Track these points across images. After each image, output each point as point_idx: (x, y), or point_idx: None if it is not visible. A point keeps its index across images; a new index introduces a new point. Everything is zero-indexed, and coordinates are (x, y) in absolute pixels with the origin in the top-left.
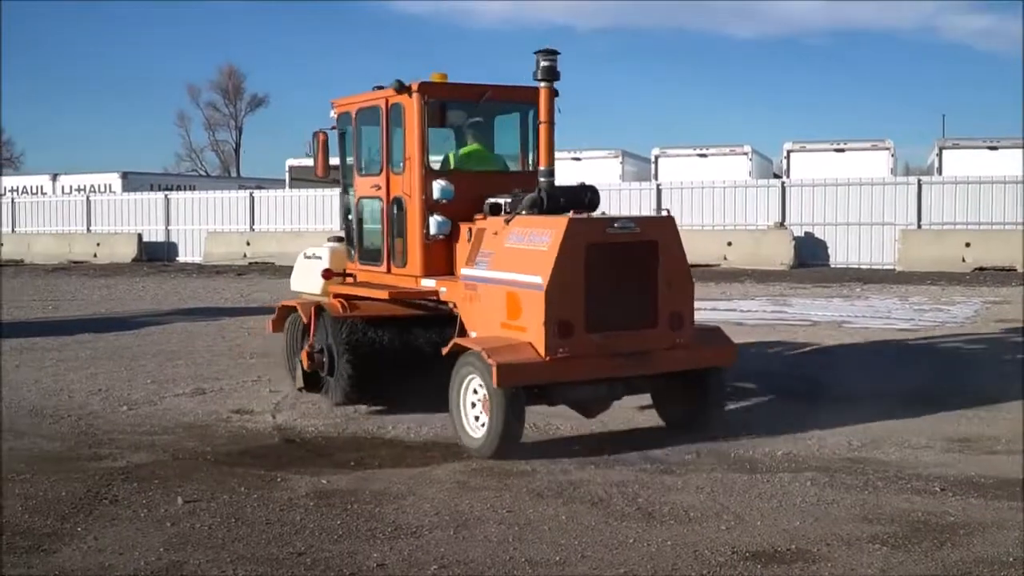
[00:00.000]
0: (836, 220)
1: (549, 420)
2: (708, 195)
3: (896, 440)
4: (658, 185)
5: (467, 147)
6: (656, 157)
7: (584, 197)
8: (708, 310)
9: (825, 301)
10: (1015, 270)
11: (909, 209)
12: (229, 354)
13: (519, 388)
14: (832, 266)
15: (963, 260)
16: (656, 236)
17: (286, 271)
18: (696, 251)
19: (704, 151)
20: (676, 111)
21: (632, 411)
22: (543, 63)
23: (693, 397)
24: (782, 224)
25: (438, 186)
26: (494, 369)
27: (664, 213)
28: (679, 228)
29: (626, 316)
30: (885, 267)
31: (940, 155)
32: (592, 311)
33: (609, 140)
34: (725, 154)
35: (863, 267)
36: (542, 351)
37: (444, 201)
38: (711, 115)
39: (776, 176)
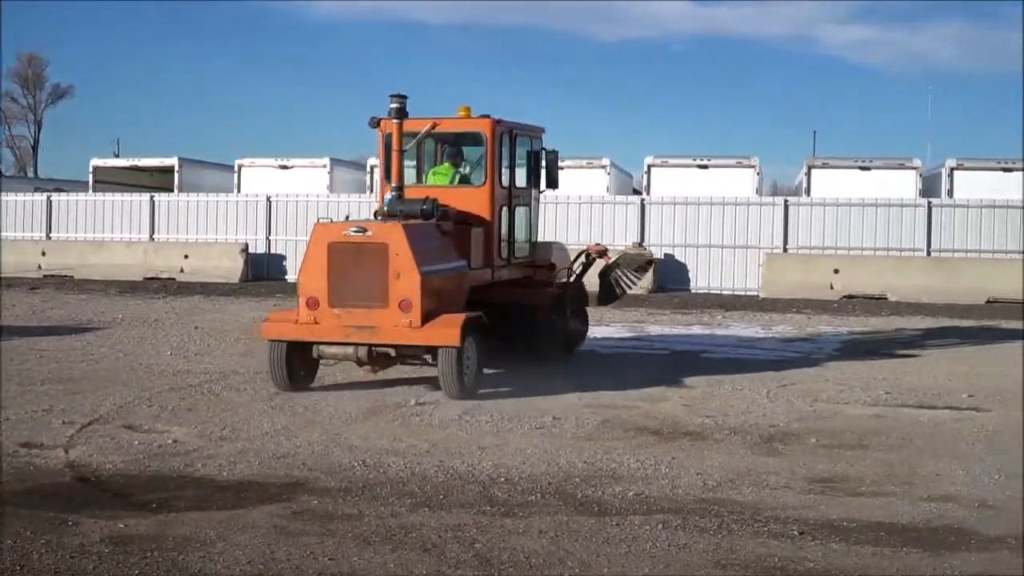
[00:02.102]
0: (698, 242)
1: (380, 458)
2: (562, 210)
3: (753, 479)
4: None
5: (436, 167)
6: None
7: (419, 208)
8: None
9: (684, 329)
10: (885, 298)
11: (775, 231)
12: (17, 379)
13: (277, 341)
14: (692, 291)
15: (831, 287)
16: (386, 239)
17: (86, 285)
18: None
19: (560, 163)
20: (532, 118)
21: (477, 450)
22: (393, 105)
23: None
24: (641, 244)
25: (386, 196)
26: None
27: (379, 220)
28: None
29: (362, 297)
30: (749, 293)
31: (809, 175)
32: (333, 291)
33: None
34: (582, 167)
35: (725, 293)
36: (297, 318)
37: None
38: (569, 124)
39: (636, 192)
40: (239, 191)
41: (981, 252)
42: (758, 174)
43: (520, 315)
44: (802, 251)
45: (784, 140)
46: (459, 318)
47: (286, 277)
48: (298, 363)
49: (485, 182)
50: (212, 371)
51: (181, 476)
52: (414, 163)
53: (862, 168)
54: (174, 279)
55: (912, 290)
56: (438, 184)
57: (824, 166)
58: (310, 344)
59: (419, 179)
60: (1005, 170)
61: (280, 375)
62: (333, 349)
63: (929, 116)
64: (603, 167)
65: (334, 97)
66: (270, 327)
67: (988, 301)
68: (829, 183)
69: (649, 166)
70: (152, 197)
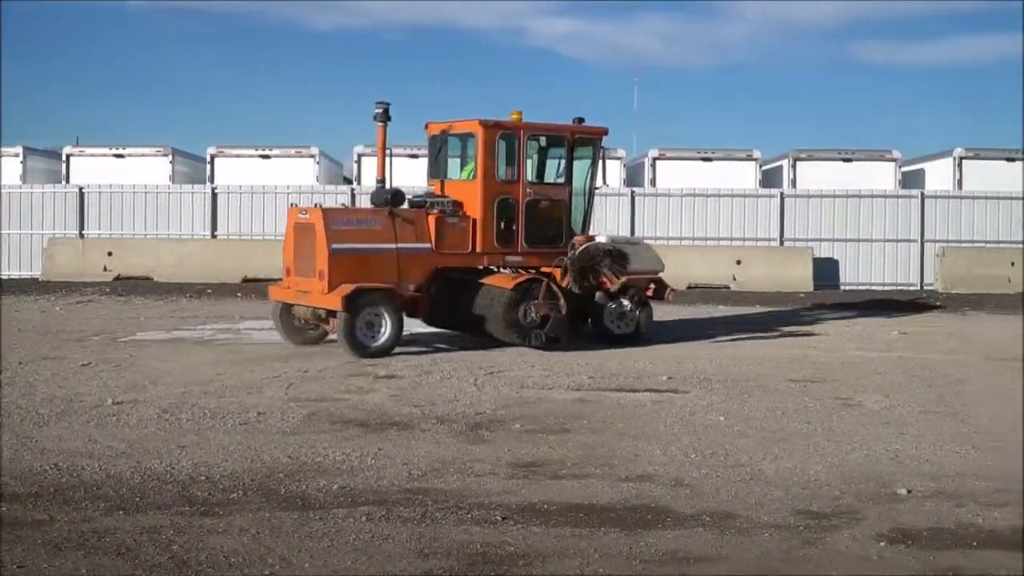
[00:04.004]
0: None
1: (74, 460)
2: (270, 200)
3: (459, 467)
4: (214, 189)
5: (468, 165)
6: (212, 157)
7: (386, 196)
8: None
9: None
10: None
11: None
12: None
13: (276, 302)
14: None
15: None
16: (314, 221)
17: None
18: (250, 264)
19: (267, 152)
20: (237, 106)
21: (176, 449)
22: (377, 110)
23: None
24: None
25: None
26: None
27: (315, 206)
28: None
29: (307, 268)
30: None
31: None
32: (296, 263)
33: (158, 136)
34: (291, 156)
35: None
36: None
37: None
38: (278, 112)
39: (347, 181)
40: None
41: (682, 239)
42: None
43: (478, 295)
44: None
45: None
46: (348, 288)
47: None
48: (296, 319)
49: (475, 177)
50: None
51: None
52: (467, 159)
53: None
54: None
55: None
56: (463, 179)
57: None
58: (286, 304)
59: (439, 174)
60: (704, 159)
61: (278, 326)
62: (298, 309)
63: (635, 108)
64: (312, 156)
65: (25, 83)
66: (271, 289)
67: (689, 287)
68: None
69: (359, 155)
70: None
